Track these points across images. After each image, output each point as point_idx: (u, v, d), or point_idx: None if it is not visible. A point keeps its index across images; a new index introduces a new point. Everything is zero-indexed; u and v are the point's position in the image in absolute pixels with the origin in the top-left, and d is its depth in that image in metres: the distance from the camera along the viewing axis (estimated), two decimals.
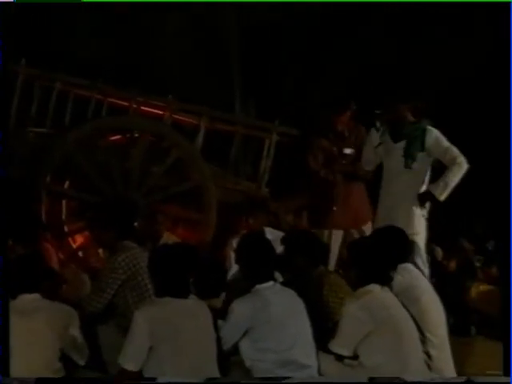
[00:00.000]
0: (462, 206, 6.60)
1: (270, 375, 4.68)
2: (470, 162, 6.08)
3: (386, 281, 4.88)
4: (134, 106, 7.71)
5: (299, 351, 4.76)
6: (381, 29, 9.84)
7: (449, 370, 5.15)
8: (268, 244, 5.10)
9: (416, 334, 4.85)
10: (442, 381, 5.00)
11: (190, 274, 4.63)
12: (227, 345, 4.73)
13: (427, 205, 6.16)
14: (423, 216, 6.17)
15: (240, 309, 4.75)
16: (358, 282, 4.88)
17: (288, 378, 4.68)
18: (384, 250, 5.02)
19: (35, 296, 4.64)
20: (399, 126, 6.26)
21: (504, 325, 4.91)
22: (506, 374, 4.66)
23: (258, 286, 4.85)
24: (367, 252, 4.94)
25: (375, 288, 4.78)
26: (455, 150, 6.10)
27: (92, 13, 9.70)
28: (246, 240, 5.18)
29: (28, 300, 4.63)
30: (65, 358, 4.64)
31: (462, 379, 5.03)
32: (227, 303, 5.05)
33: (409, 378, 4.62)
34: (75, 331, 4.67)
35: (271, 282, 4.88)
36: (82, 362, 4.71)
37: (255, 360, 4.74)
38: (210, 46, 10.08)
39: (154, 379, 4.38)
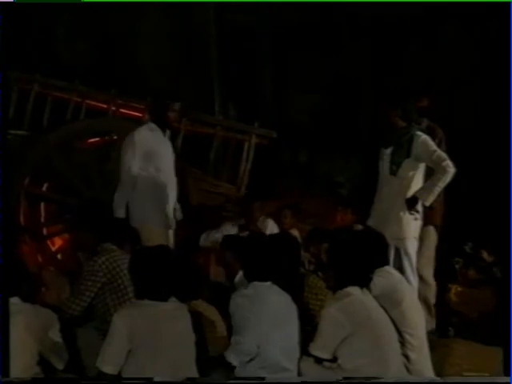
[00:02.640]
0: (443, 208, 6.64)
1: (252, 375, 4.69)
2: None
3: (364, 283, 4.89)
4: (113, 108, 7.70)
5: (284, 355, 4.76)
6: (368, 31, 9.85)
7: (428, 373, 5.17)
8: (269, 245, 5.12)
9: (395, 337, 4.86)
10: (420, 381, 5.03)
11: (170, 276, 4.62)
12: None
13: (420, 208, 6.19)
14: (415, 219, 6.19)
15: (237, 299, 4.80)
16: (336, 283, 4.89)
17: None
18: (363, 251, 5.03)
19: (15, 300, 4.62)
20: (389, 131, 6.28)
21: (504, 325, 4.94)
22: (506, 374, 4.68)
23: (255, 283, 4.88)
24: (347, 253, 4.96)
25: (355, 290, 4.79)
26: (442, 155, 6.10)
27: (68, 13, 9.66)
28: (248, 239, 5.25)
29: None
30: (43, 362, 4.62)
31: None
32: None
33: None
34: (54, 334, 4.63)
35: (269, 282, 4.90)
36: (60, 366, 4.67)
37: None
38: (189, 48, 10.07)
39: (150, 379, 4.37)
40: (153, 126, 6.56)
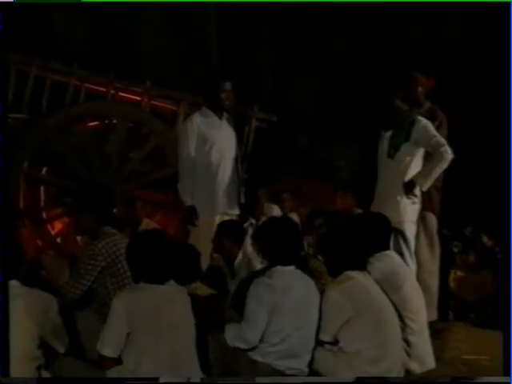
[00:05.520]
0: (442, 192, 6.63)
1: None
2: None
3: (363, 266, 4.89)
4: (112, 91, 7.68)
5: (301, 343, 4.73)
6: (369, 17, 9.82)
7: (428, 357, 5.18)
8: (294, 227, 5.09)
9: (396, 321, 4.87)
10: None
11: (166, 259, 4.61)
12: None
13: (418, 193, 6.18)
14: (413, 203, 6.18)
15: (259, 289, 4.72)
16: (337, 267, 4.89)
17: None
18: (363, 235, 5.04)
19: (14, 283, 4.61)
20: (389, 114, 6.27)
21: (504, 323, 4.94)
22: (506, 373, 4.68)
23: (278, 267, 4.81)
24: (344, 238, 4.95)
25: (356, 274, 4.80)
26: (441, 141, 6.09)
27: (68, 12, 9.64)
28: (271, 222, 5.21)
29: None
30: (44, 346, 4.62)
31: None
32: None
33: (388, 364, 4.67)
34: (54, 317, 4.63)
35: (292, 267, 4.85)
36: (61, 349, 4.67)
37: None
38: (188, 31, 10.04)
39: (156, 379, 4.37)
40: (206, 111, 6.57)
